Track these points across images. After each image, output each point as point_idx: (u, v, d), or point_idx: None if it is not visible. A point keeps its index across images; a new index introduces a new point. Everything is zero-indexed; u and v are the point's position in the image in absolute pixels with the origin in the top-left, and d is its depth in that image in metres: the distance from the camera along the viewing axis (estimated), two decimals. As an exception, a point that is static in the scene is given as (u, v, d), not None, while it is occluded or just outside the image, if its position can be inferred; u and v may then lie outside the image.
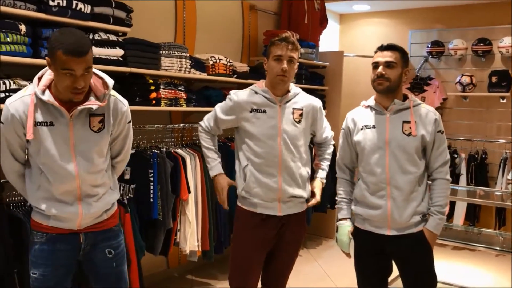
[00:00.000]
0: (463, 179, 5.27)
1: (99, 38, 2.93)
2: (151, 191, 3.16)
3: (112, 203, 2.12)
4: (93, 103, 1.91)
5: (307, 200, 2.58)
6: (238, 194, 2.56)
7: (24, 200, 2.50)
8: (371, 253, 2.39)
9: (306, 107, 2.54)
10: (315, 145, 2.77)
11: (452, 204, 5.14)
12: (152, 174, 3.17)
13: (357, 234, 2.43)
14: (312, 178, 2.65)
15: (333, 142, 2.75)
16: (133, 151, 3.12)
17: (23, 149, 1.99)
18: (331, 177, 4.88)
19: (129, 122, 2.13)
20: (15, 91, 2.37)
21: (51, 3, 2.65)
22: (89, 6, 2.86)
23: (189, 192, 3.41)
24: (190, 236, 3.43)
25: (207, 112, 2.70)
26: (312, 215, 4.72)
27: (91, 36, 2.89)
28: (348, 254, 2.51)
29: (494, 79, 5.21)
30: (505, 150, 5.17)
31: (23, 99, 1.90)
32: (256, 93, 2.50)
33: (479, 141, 5.37)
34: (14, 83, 2.49)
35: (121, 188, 2.95)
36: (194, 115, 3.91)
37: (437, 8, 5.70)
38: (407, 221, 2.28)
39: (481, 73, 5.44)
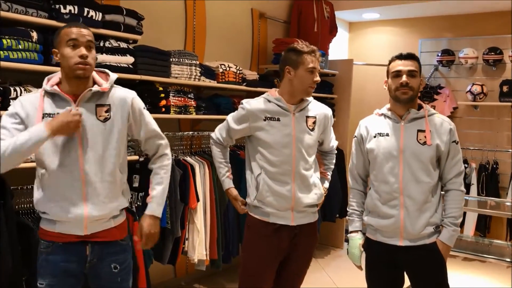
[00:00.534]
0: (473, 189, 5.22)
1: (109, 46, 2.94)
2: (160, 199, 3.14)
3: (120, 209, 2.10)
4: (96, 88, 1.98)
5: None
6: (249, 204, 2.53)
7: (33, 207, 2.49)
8: (383, 264, 2.35)
9: (319, 115, 2.54)
10: (318, 153, 2.74)
11: (463, 215, 5.08)
12: (161, 182, 3.14)
13: (369, 245, 2.40)
14: None
15: (336, 151, 2.77)
16: (142, 159, 3.12)
17: None
18: (340, 186, 4.97)
19: (144, 108, 2.14)
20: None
21: (62, 10, 2.67)
22: (100, 14, 2.87)
23: (198, 200, 3.39)
24: (199, 245, 3.41)
25: (217, 120, 2.69)
26: (320, 224, 4.68)
27: (101, 44, 2.90)
28: (359, 267, 2.48)
29: (505, 88, 5.17)
30: (516, 160, 5.13)
31: (33, 94, 2.00)
32: (269, 101, 2.48)
33: (490, 150, 5.32)
34: (25, 90, 2.49)
35: (130, 196, 2.93)
36: (203, 122, 3.91)
37: (447, 17, 5.68)
38: (420, 231, 2.24)
39: (492, 82, 5.40)
